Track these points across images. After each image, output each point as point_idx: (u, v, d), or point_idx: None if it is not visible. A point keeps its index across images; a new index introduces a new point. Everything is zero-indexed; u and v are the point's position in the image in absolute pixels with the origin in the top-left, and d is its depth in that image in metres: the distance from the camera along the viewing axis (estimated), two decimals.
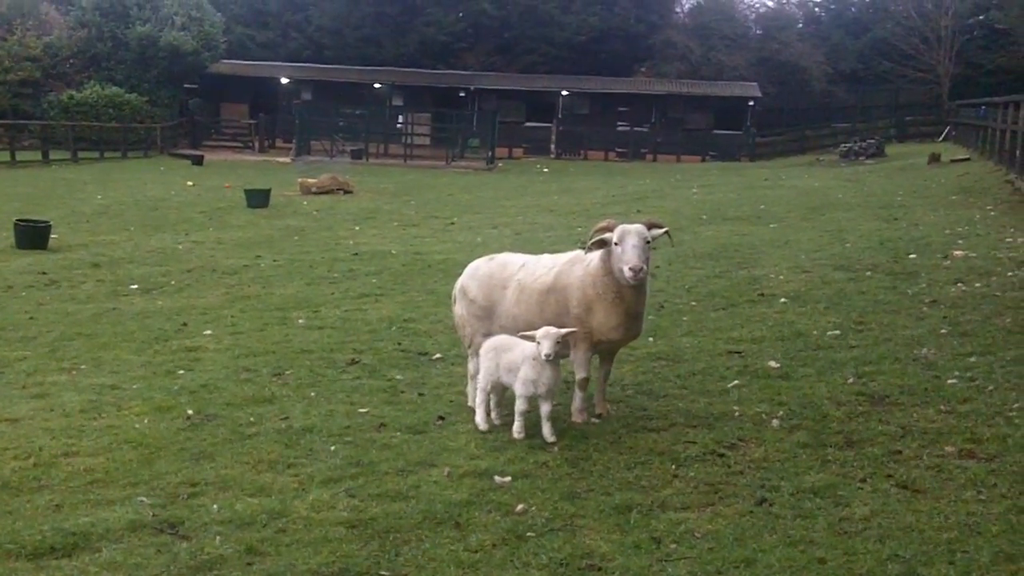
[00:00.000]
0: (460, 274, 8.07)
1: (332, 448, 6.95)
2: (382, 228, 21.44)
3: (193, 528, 5.43)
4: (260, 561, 5.01)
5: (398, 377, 8.83)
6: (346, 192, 30.00)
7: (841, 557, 5.14)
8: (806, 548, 5.28)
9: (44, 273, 15.20)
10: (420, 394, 8.29)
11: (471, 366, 7.88)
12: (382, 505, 5.83)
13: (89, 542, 5.20)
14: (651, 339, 9.95)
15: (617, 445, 6.99)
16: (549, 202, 26.97)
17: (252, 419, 7.54)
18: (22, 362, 9.59)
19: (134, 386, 8.57)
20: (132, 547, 5.16)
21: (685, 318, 11.05)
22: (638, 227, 7.10)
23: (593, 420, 7.61)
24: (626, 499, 5.94)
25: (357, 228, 21.34)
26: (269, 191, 26.36)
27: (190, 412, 7.69)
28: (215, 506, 5.79)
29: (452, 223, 22.20)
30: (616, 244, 7.09)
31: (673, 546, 5.33)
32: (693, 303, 11.89)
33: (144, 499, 5.89)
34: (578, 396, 7.62)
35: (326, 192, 29.78)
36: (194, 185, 31.04)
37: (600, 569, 5.01)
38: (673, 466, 6.56)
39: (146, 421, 7.49)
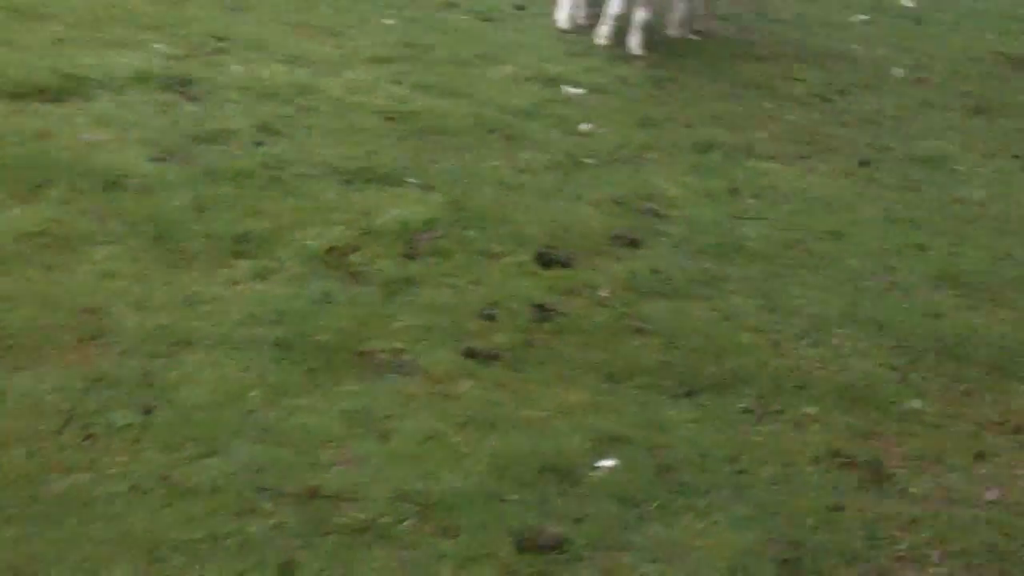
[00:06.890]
0: None
1: (389, 22, 6.09)
2: None
3: (206, 90, 4.66)
4: (270, 141, 4.25)
5: None
6: None
7: (945, 247, 4.29)
8: (907, 228, 4.45)
9: None
10: None
11: None
12: (428, 99, 5.01)
13: (84, 88, 4.43)
14: None
15: (712, 71, 6.06)
16: None
17: None
18: None
19: None
20: (131, 101, 4.42)
21: None
22: None
23: (692, 36, 6.62)
24: (708, 136, 5.09)
25: None
26: None
27: None
28: (238, 67, 5.00)
29: None
30: None
31: (751, 201, 4.52)
32: None
33: (161, 46, 5.12)
34: (681, 5, 6.54)
35: None
36: None
37: (659, 215, 4.21)
38: (770, 105, 5.66)
39: None
